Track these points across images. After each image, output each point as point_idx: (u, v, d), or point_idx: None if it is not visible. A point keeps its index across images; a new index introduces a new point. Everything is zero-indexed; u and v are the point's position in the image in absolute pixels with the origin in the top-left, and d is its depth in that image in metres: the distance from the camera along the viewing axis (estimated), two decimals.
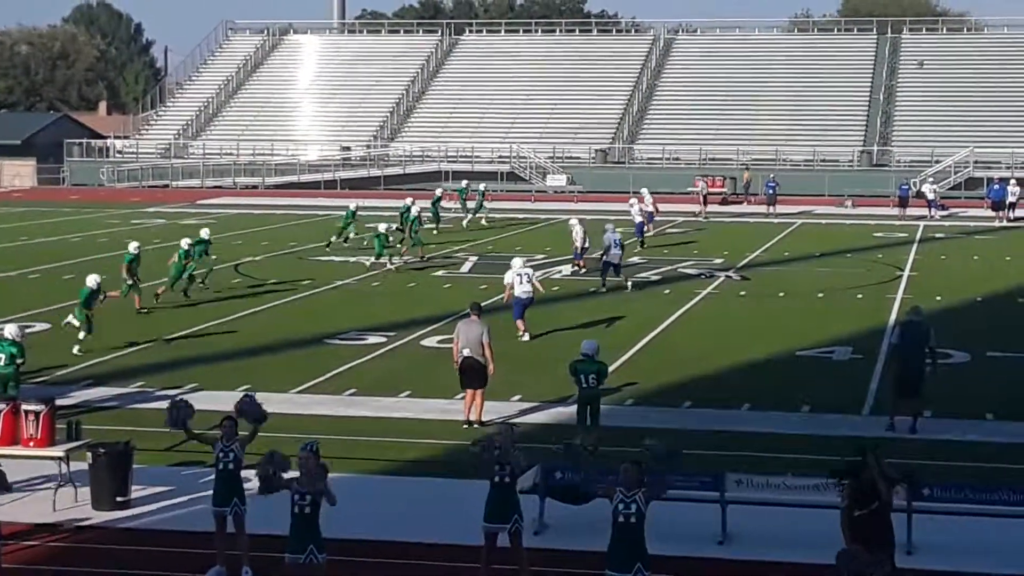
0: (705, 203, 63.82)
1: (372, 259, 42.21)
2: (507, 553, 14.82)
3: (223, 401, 23.49)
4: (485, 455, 14.82)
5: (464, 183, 63.97)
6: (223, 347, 29.42)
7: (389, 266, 41.99)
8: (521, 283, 30.66)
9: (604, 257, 38.07)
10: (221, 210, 66.82)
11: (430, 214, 52.80)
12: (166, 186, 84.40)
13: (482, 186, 62.30)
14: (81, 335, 28.71)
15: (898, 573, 13.55)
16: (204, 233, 38.45)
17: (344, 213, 49.70)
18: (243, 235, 53.85)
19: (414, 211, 45.66)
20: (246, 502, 15.32)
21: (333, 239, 47.90)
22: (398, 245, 43.86)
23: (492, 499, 14.83)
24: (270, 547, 14.88)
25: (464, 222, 57.32)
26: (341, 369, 26.98)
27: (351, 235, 48.19)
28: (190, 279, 35.99)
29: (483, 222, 58.12)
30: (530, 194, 76.45)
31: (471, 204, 59.17)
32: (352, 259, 44.08)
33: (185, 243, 36.03)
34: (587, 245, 41.36)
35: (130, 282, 33.92)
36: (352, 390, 25.11)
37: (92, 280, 29.26)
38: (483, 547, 14.89)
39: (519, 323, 30.37)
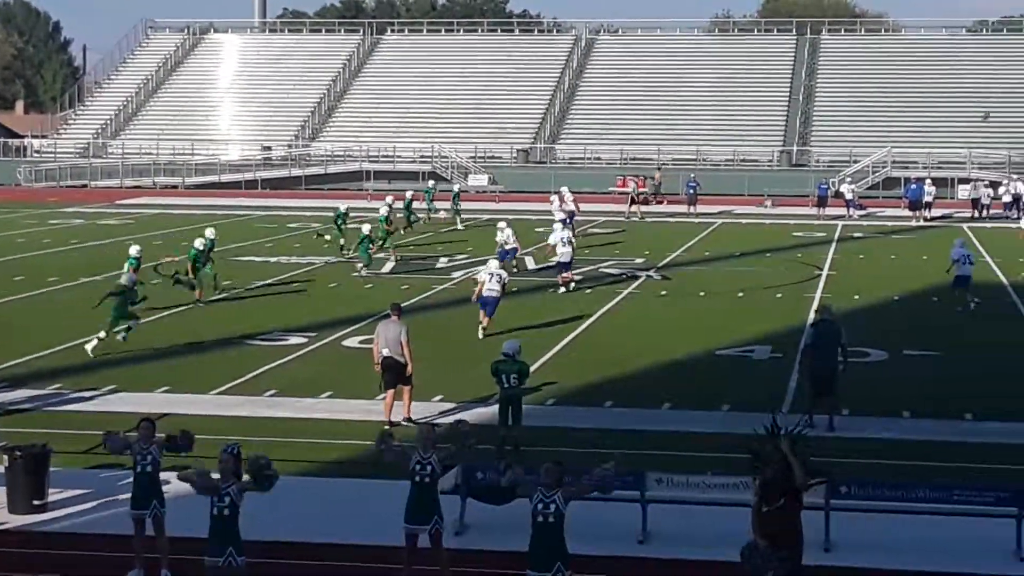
0: (634, 203, 63.88)
1: (362, 265, 41.31)
2: (428, 554, 14.81)
3: (143, 403, 23.39)
4: (384, 450, 14.88)
5: (431, 183, 64.20)
6: (143, 348, 29.16)
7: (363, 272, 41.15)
8: (490, 282, 30.79)
9: (558, 258, 38.22)
10: (140, 210, 66.32)
11: (404, 216, 52.05)
12: (84, 186, 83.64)
13: (456, 187, 62.14)
14: (120, 334, 28.62)
15: (803, 571, 13.63)
16: (210, 233, 37.97)
17: (334, 214, 48.82)
18: (163, 235, 53.40)
19: (383, 211, 46.24)
20: (165, 505, 15.21)
21: (336, 240, 47.19)
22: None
23: (413, 499, 14.82)
24: (189, 550, 14.78)
25: (459, 224, 57.40)
26: (262, 370, 26.85)
27: (327, 236, 47.86)
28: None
29: (458, 224, 57.56)
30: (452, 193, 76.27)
31: (446, 205, 59.01)
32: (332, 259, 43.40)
33: (199, 243, 36.04)
34: (517, 246, 41.31)
35: (192, 277, 35.18)
36: (273, 391, 24.99)
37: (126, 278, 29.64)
38: (404, 548, 14.87)
39: (484, 317, 30.68)
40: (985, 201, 64.52)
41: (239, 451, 13.74)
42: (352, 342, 30.04)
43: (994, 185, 67.08)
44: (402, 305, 24.14)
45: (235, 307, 35.55)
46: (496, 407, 21.15)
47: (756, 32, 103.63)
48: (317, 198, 74.76)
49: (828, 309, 24.34)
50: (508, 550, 15.32)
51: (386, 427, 20.63)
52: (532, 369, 23.22)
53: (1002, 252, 48.54)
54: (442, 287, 38.95)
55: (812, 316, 28.86)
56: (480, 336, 30.10)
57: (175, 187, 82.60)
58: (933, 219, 61.74)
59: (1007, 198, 64.33)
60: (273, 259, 44.82)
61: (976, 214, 63.89)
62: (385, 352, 22.36)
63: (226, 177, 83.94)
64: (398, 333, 22.45)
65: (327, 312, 34.05)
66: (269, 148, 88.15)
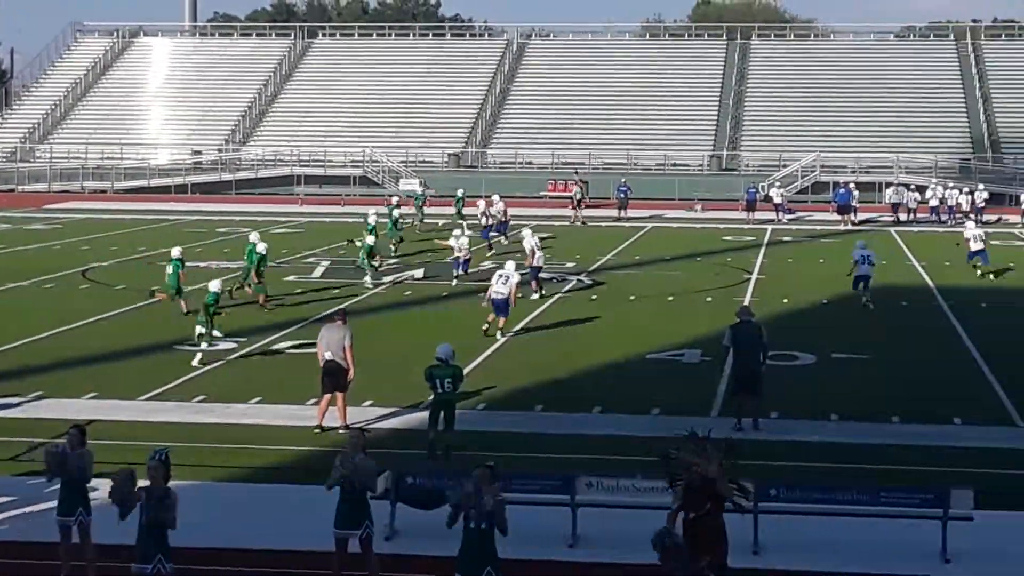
0: (578, 207, 63.61)
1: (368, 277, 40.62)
2: (358, 559, 14.79)
3: (70, 409, 23.22)
4: (341, 471, 14.81)
5: (420, 189, 64.18)
6: (70, 353, 28.95)
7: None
8: (496, 284, 31.53)
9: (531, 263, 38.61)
10: (69, 215, 65.73)
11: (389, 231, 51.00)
12: (12, 190, 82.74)
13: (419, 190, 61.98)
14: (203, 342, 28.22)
15: (730, 573, 13.72)
16: (254, 237, 37.74)
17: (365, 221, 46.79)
18: (91, 240, 53.06)
19: (395, 213, 47.28)
20: (91, 512, 15.10)
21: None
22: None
23: (343, 505, 14.80)
24: (117, 557, 14.69)
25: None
26: (191, 376, 26.70)
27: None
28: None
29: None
30: (383, 198, 76.14)
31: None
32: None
33: (262, 248, 36.38)
34: (469, 257, 41.66)
35: (259, 282, 35.70)
36: (202, 396, 24.86)
37: (215, 285, 29.48)
38: (334, 553, 14.85)
39: (493, 316, 31.53)
40: (912, 205, 65.09)
41: (167, 457, 13.66)
42: (282, 347, 29.94)
43: (920, 189, 67.67)
44: (338, 310, 24.04)
45: (164, 312, 35.28)
46: (427, 411, 21.11)
47: (687, 37, 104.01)
48: (248, 203, 74.46)
49: (747, 310, 24.54)
50: (438, 555, 15.31)
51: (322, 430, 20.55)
52: (464, 373, 23.26)
53: (928, 256, 49.01)
54: (372, 292, 38.86)
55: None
56: (483, 332, 30.90)
57: (104, 192, 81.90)
58: (860, 223, 62.26)
59: (934, 202, 64.93)
60: (203, 264, 44.55)
61: (897, 218, 64.46)
62: (328, 356, 22.35)
63: (156, 182, 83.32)
64: (341, 338, 22.46)
65: (257, 317, 33.90)
66: (199, 152, 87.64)
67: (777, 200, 65.16)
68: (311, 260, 46.43)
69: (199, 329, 28.11)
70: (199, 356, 27.80)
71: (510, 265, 32.92)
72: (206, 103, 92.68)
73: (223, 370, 27.48)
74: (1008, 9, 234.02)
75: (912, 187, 67.66)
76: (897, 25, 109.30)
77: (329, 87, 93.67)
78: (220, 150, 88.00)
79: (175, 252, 34.97)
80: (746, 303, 27.52)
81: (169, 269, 34.24)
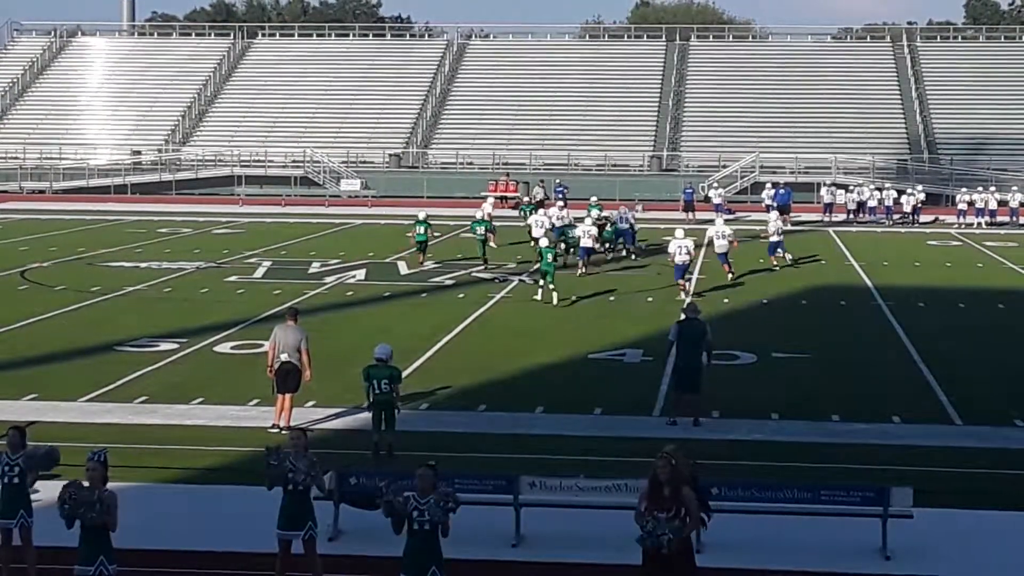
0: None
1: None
2: (301, 560, 14.77)
3: (9, 411, 23.06)
4: (272, 464, 14.78)
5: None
6: (9, 355, 28.75)
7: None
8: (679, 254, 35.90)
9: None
10: (6, 215, 65.20)
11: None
12: None
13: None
14: None
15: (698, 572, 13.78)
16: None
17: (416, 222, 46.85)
18: (30, 241, 52.69)
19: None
20: (33, 515, 14.99)
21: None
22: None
23: (286, 506, 14.77)
24: (58, 560, 14.61)
25: None
26: (132, 376, 26.56)
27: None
28: None
29: None
30: (324, 199, 76.12)
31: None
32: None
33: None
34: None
35: None
36: (143, 397, 24.74)
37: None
38: (277, 555, 14.82)
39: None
40: (851, 206, 65.57)
41: (106, 457, 13.58)
42: (224, 348, 29.85)
43: (848, 189, 68.25)
44: (279, 310, 23.98)
45: (104, 313, 35.13)
46: (370, 412, 21.10)
47: (626, 38, 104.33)
48: (188, 203, 74.17)
49: (694, 307, 24.66)
50: (382, 555, 15.32)
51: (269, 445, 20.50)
52: (405, 373, 23.28)
53: (867, 255, 49.40)
54: (314, 292, 38.80)
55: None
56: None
57: (42, 192, 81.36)
58: (797, 223, 62.68)
59: (872, 203, 65.43)
60: (143, 264, 44.37)
61: (827, 218, 64.93)
62: (284, 357, 22.25)
63: (95, 182, 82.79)
64: (298, 339, 22.39)
65: (198, 318, 33.77)
66: (139, 152, 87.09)
67: (716, 200, 65.48)
68: (252, 260, 46.27)
69: None
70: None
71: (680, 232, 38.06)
72: (145, 103, 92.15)
73: (165, 371, 27.36)
74: (943, 11, 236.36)
75: (852, 188, 68.19)
76: (834, 27, 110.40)
77: (269, 87, 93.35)
78: (160, 150, 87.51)
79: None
80: (692, 301, 27.58)
81: None
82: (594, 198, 52.77)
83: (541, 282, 37.53)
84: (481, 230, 45.73)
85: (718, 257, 42.15)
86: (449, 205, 72.48)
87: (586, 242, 42.94)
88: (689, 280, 39.85)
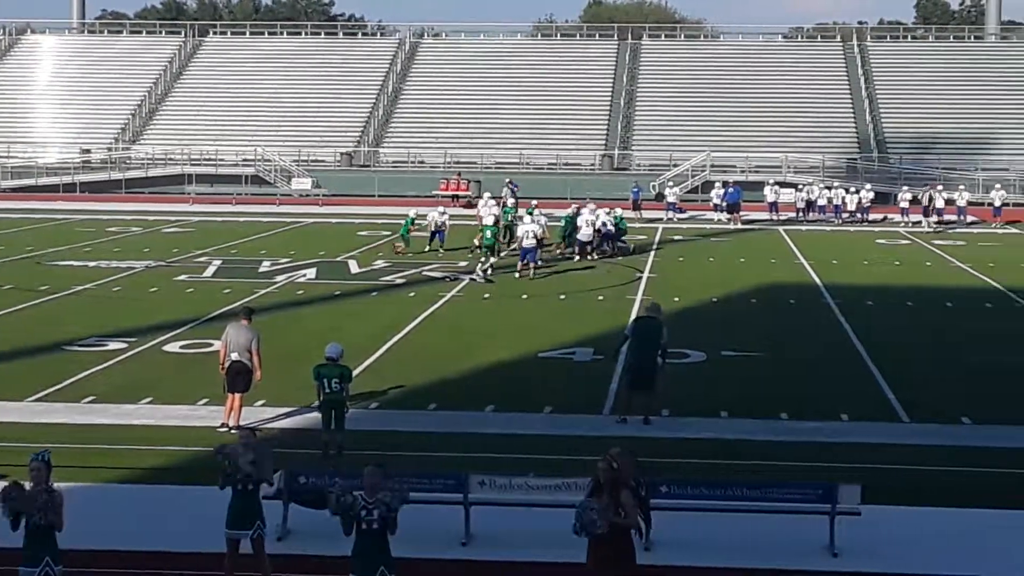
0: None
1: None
2: (250, 560, 14.73)
3: None
4: (223, 462, 14.74)
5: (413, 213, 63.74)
6: None
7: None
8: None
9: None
10: None
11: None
12: None
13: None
14: None
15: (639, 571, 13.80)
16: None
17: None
18: None
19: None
20: None
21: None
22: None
23: (234, 505, 14.73)
24: (4, 561, 14.50)
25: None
26: (80, 376, 26.41)
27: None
28: None
29: None
30: (275, 198, 75.91)
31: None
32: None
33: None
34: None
35: None
36: (91, 397, 24.60)
37: None
38: (226, 554, 14.77)
39: None
40: (800, 204, 65.85)
41: (49, 458, 13.48)
42: (173, 347, 29.72)
43: (798, 187, 68.61)
44: (229, 309, 23.90)
45: (52, 312, 34.92)
46: (319, 412, 21.06)
47: (578, 37, 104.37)
48: (138, 202, 73.82)
49: (655, 307, 24.74)
50: (331, 555, 15.30)
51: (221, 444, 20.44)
52: (355, 372, 23.24)
53: (816, 254, 49.63)
54: (265, 291, 38.68)
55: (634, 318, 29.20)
56: None
57: None
58: (748, 222, 62.99)
59: (822, 202, 65.75)
60: (92, 263, 44.13)
61: (774, 217, 65.25)
62: (234, 356, 22.22)
63: (43, 180, 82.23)
64: (249, 339, 22.35)
65: (147, 317, 33.61)
66: (88, 151, 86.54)
67: (669, 199, 65.71)
68: (202, 259, 46.09)
69: None
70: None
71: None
72: (95, 101, 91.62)
73: (113, 370, 27.22)
74: (894, 11, 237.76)
75: (801, 187, 68.50)
76: (785, 26, 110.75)
77: (220, 86, 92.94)
78: (110, 149, 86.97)
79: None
80: (654, 300, 27.66)
81: None
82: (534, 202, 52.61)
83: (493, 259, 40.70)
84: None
85: (523, 253, 42.90)
86: (400, 204, 72.42)
87: (529, 243, 42.66)
88: (532, 264, 42.14)
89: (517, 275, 42.02)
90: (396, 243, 48.63)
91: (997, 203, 64.36)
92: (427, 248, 48.50)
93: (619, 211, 51.81)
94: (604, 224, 48.40)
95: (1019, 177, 77.59)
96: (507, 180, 68.05)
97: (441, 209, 51.19)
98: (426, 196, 73.99)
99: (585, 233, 44.47)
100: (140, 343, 30.00)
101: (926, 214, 62.42)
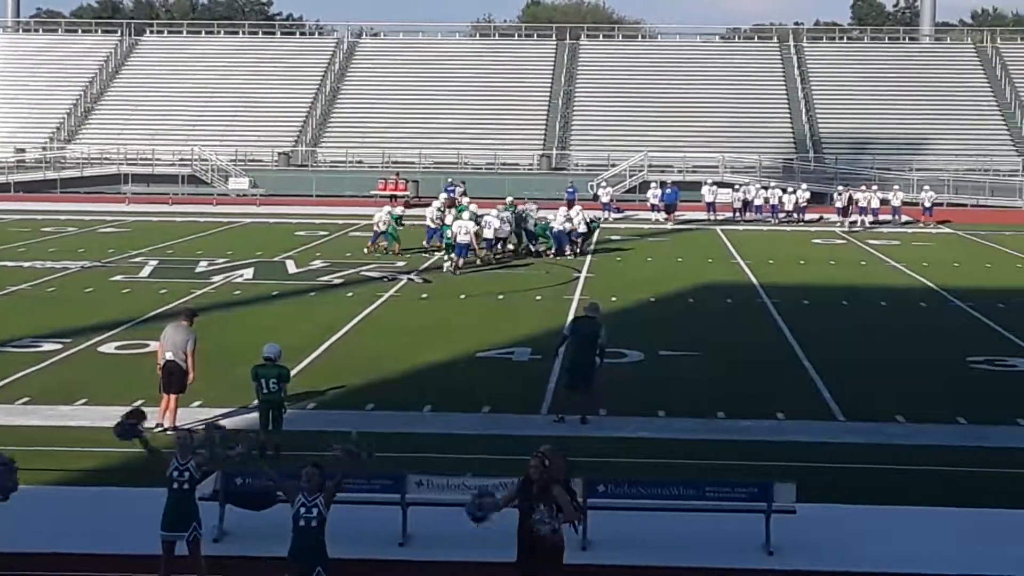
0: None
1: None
2: (186, 561, 14.66)
3: None
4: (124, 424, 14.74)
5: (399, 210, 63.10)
6: None
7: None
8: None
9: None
10: None
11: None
12: None
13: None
14: None
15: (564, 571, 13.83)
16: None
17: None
18: None
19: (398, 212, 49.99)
20: None
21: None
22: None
23: (170, 507, 14.66)
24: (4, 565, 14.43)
25: None
26: (14, 377, 26.19)
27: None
28: None
29: None
30: (212, 197, 75.56)
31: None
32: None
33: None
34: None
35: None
36: (25, 398, 24.41)
37: None
38: (161, 556, 14.70)
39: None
40: (737, 204, 66.21)
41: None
42: (108, 348, 29.53)
43: (735, 187, 69.00)
44: (165, 310, 23.79)
45: None
46: (257, 412, 21.00)
47: (517, 37, 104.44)
48: (73, 201, 73.28)
49: (594, 307, 24.84)
50: (267, 555, 15.25)
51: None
52: (293, 373, 23.18)
53: (753, 254, 49.89)
54: (201, 291, 38.49)
55: (572, 318, 29.26)
56: None
57: None
58: (686, 222, 63.27)
59: (758, 202, 66.16)
60: (27, 264, 43.78)
61: (711, 216, 65.59)
62: (169, 356, 22.16)
63: None
64: (185, 339, 22.27)
65: (82, 318, 33.37)
66: (23, 150, 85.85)
67: (605, 199, 65.87)
68: (138, 260, 45.82)
69: None
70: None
71: None
72: (30, 100, 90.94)
73: (48, 372, 27.01)
74: (830, 12, 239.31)
75: (738, 186, 68.89)
76: (722, 27, 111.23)
77: (157, 85, 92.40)
78: (44, 148, 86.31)
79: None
80: (594, 300, 27.71)
81: None
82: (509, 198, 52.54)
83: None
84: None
85: (457, 249, 43.54)
86: (338, 204, 72.34)
87: (463, 239, 43.25)
88: (461, 259, 43.40)
89: (447, 267, 43.46)
90: (382, 243, 48.57)
91: (927, 204, 64.94)
92: (366, 249, 48.41)
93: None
94: (573, 223, 49.33)
95: (953, 177, 78.30)
96: (461, 181, 68.30)
97: (389, 209, 51.06)
98: (364, 196, 74.05)
99: (462, 240, 43.76)
100: (75, 344, 29.79)
101: (845, 214, 62.90)
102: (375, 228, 48.94)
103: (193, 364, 22.28)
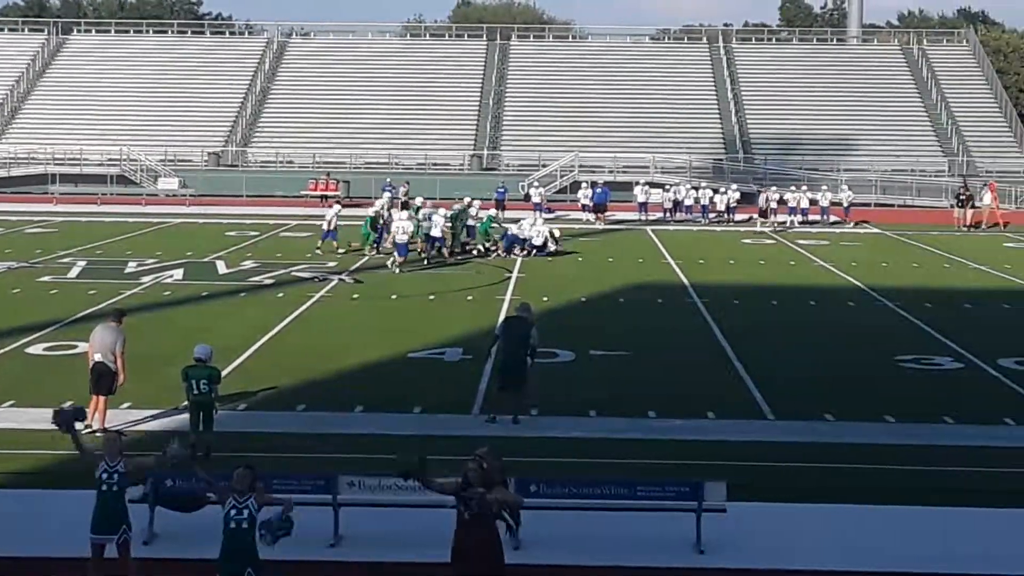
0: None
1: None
2: (116, 564, 14.57)
3: None
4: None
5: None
6: None
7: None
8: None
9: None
10: None
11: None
12: None
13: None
14: None
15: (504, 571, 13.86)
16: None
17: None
18: None
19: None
20: None
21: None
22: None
23: (99, 509, 14.56)
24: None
25: None
26: None
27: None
28: None
29: None
30: (141, 198, 74.99)
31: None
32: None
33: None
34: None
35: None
36: None
37: None
38: (90, 559, 14.61)
39: None
40: (667, 204, 66.45)
41: None
42: (36, 349, 29.27)
43: (665, 188, 69.30)
44: (94, 311, 23.62)
45: None
46: (187, 413, 20.91)
47: (447, 37, 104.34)
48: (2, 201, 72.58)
49: (526, 306, 24.90)
50: (198, 558, 15.19)
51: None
52: (224, 373, 23.07)
53: (683, 254, 50.10)
54: (131, 292, 38.23)
55: (503, 318, 29.27)
56: None
57: None
58: (616, 222, 63.48)
59: (689, 202, 66.45)
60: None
61: (643, 217, 65.82)
62: (97, 357, 22.04)
63: None
64: (114, 340, 22.14)
65: (9, 319, 33.06)
66: None
67: (536, 199, 65.89)
68: (66, 260, 45.45)
69: None
70: None
71: None
72: None
73: None
74: (759, 14, 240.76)
75: (669, 187, 69.16)
76: (652, 28, 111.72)
77: (85, 84, 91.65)
78: None
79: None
80: (525, 301, 27.74)
81: None
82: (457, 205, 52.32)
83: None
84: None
85: (398, 248, 44.05)
86: (269, 204, 72.05)
87: (401, 238, 43.73)
88: (401, 258, 43.88)
89: (396, 269, 43.33)
90: (332, 243, 48.77)
91: (845, 203, 65.50)
92: (317, 248, 48.24)
93: (493, 212, 52.56)
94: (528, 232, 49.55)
95: (880, 177, 78.99)
96: (405, 182, 68.22)
97: (338, 209, 50.87)
98: (294, 196, 73.84)
99: (400, 239, 44.23)
100: (3, 345, 29.52)
101: (763, 215, 63.21)
102: (324, 227, 48.78)
103: (123, 365, 22.15)
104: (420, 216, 47.36)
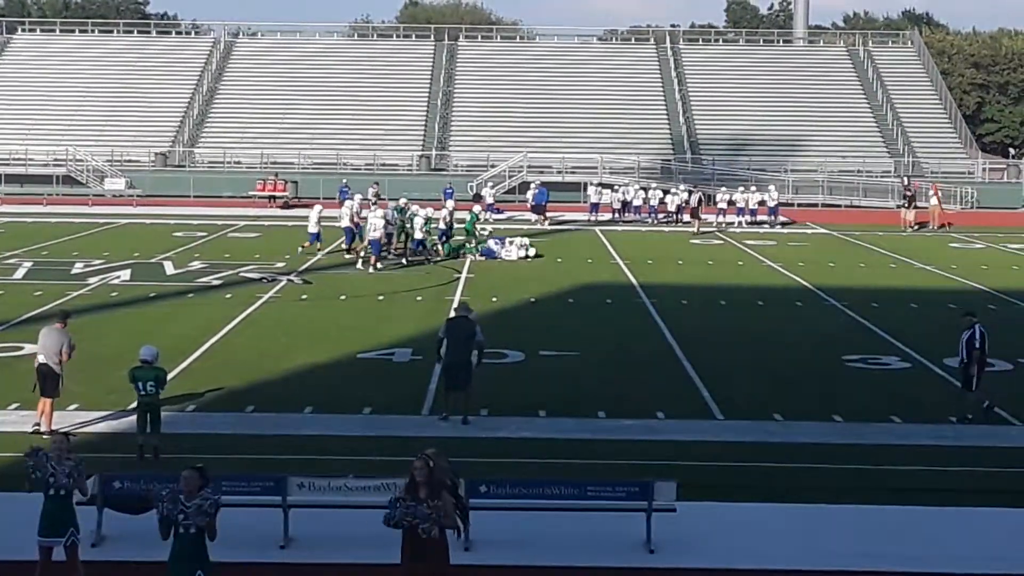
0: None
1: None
2: (63, 567, 14.46)
3: None
4: (31, 467, 14.48)
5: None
6: None
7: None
8: None
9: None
10: None
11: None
12: None
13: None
14: None
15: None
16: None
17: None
18: None
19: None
20: None
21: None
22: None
23: (47, 512, 14.45)
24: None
25: None
26: None
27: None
28: None
29: None
30: (88, 198, 74.51)
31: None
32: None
33: None
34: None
35: None
36: None
37: None
38: (38, 562, 14.50)
39: None
40: (616, 205, 66.63)
41: None
42: None
43: (614, 188, 69.54)
44: (40, 312, 23.46)
45: None
46: (135, 415, 20.79)
47: (395, 37, 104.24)
48: None
49: (465, 306, 24.93)
50: (148, 560, 15.11)
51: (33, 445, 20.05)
52: (171, 375, 22.97)
53: (632, 254, 50.22)
54: (77, 293, 37.99)
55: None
56: None
57: None
58: (564, 223, 63.60)
59: (637, 202, 66.68)
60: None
61: (592, 217, 65.99)
62: (41, 359, 21.91)
63: None
64: (60, 342, 22.02)
65: None
66: None
67: (488, 200, 65.96)
68: (12, 261, 45.12)
69: None
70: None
71: None
72: None
73: None
74: (706, 15, 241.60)
75: (617, 187, 69.37)
76: (600, 29, 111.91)
77: (30, 84, 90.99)
78: None
79: None
80: (464, 300, 27.77)
81: None
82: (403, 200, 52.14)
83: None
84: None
85: (371, 245, 44.39)
86: (216, 205, 71.78)
87: (373, 235, 44.21)
88: (375, 256, 44.27)
89: (370, 269, 43.92)
90: (317, 244, 48.59)
91: (771, 204, 65.89)
92: (300, 249, 47.90)
93: (477, 209, 53.78)
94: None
95: (827, 178, 79.42)
96: (375, 183, 68.15)
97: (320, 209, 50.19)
98: (242, 197, 73.58)
99: (372, 236, 44.55)
100: None
101: (695, 216, 63.20)
102: (309, 229, 48.26)
103: (63, 364, 21.99)
104: (407, 216, 47.64)
